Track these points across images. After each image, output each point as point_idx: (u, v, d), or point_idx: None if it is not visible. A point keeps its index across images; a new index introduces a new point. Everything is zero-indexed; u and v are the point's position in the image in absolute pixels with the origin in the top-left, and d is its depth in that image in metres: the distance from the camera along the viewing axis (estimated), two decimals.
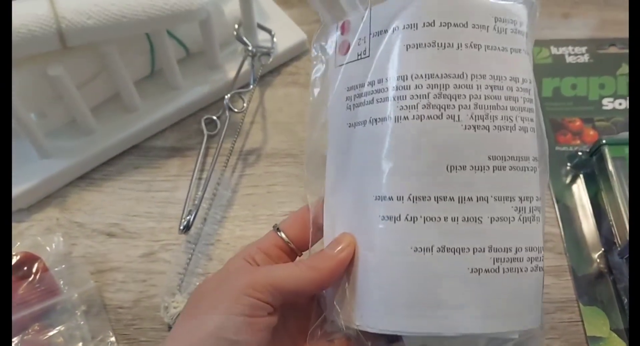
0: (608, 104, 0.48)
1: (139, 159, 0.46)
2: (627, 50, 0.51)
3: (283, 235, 0.31)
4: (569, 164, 0.45)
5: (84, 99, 0.42)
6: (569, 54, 0.51)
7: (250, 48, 0.46)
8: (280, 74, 0.51)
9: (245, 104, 0.45)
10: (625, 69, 0.50)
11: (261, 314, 0.27)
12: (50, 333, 0.37)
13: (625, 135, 0.43)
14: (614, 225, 0.40)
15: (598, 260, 0.40)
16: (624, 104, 0.48)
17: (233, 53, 0.49)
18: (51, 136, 0.43)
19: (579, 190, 0.44)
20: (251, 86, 0.46)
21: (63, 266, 0.40)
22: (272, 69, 0.50)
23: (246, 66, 0.47)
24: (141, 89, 0.45)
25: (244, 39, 0.47)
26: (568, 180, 0.44)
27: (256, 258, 0.30)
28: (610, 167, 0.41)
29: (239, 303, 0.26)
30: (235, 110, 0.45)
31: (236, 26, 0.47)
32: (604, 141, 0.42)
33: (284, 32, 0.50)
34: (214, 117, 0.46)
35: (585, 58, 0.51)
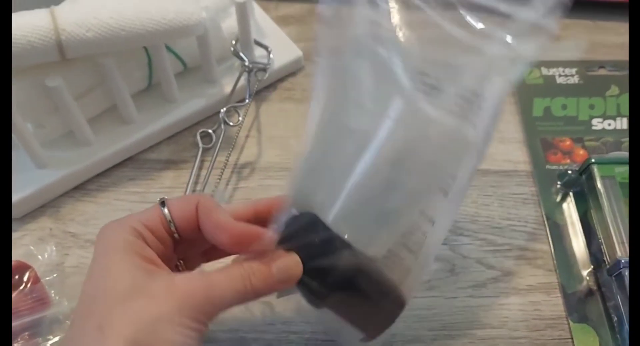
0: (597, 124, 0.49)
1: (133, 171, 0.46)
2: (616, 73, 0.52)
3: (167, 212, 0.27)
4: (559, 182, 0.45)
5: (81, 110, 0.43)
6: (560, 75, 0.52)
7: (246, 64, 0.47)
8: (276, 90, 0.51)
9: (240, 118, 0.46)
10: (614, 90, 0.51)
11: (204, 328, 0.25)
12: (40, 344, 0.37)
13: (614, 155, 0.44)
14: (603, 243, 0.41)
15: (588, 278, 0.41)
16: (613, 124, 0.49)
17: (230, 68, 0.50)
18: (48, 146, 0.44)
19: (569, 208, 0.44)
20: (247, 101, 0.46)
21: (55, 275, 0.40)
22: (268, 84, 0.51)
23: (242, 81, 0.48)
24: (138, 101, 0.46)
25: (241, 54, 0.47)
26: (558, 198, 0.45)
27: (144, 235, 0.27)
28: (599, 186, 0.41)
29: (177, 325, 0.24)
30: (231, 123, 0.45)
31: (233, 42, 0.48)
32: (593, 160, 0.43)
33: (280, 48, 0.51)
34: (210, 131, 0.46)
35: (575, 79, 0.52)
